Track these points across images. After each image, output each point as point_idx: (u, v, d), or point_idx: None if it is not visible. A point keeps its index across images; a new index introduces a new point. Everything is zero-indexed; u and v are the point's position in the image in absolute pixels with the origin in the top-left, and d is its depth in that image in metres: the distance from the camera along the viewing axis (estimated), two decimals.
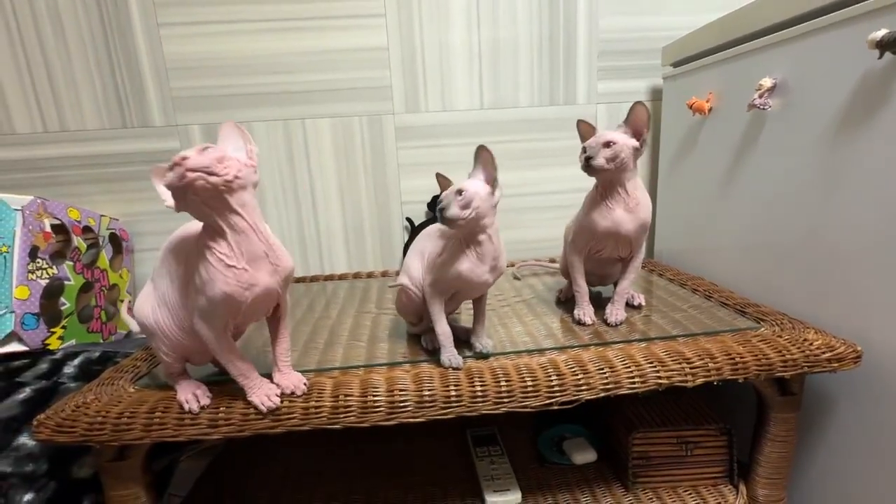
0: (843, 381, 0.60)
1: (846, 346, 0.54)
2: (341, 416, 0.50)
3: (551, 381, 0.52)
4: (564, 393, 0.52)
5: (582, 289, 0.69)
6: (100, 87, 0.94)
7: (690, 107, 0.82)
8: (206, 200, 0.43)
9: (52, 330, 0.73)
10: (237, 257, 0.45)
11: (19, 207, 0.71)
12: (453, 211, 0.50)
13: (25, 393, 0.63)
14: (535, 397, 0.51)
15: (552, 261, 0.98)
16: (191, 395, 0.51)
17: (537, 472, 0.71)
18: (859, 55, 0.53)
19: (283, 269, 0.48)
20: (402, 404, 0.51)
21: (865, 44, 0.50)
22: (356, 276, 1.02)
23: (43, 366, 0.68)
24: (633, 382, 0.52)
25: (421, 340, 0.63)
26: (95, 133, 0.96)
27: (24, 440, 0.59)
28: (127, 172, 0.97)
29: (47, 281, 0.73)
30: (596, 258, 0.69)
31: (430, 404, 0.51)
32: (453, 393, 0.51)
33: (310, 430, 0.51)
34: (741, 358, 0.54)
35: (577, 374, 0.52)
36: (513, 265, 0.97)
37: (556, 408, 0.52)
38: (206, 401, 0.51)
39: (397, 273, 1.01)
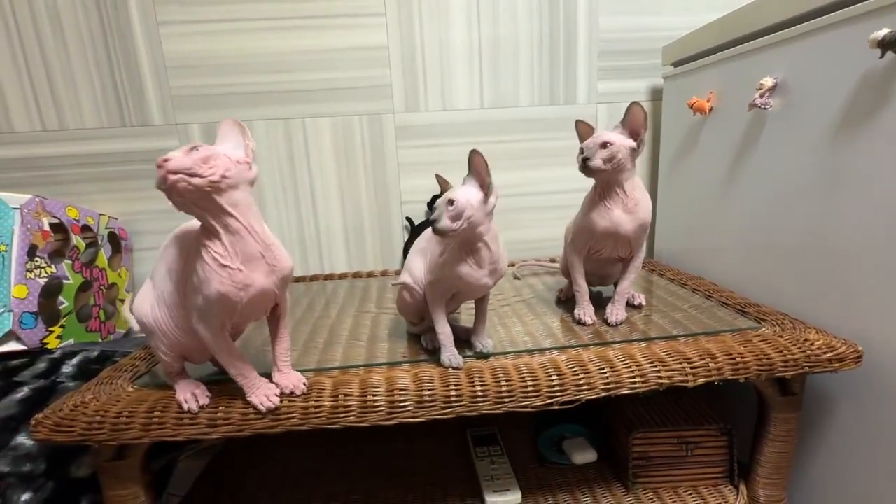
0: (843, 382, 0.60)
1: (847, 347, 0.54)
2: (341, 415, 0.50)
3: (552, 380, 0.52)
4: (565, 393, 0.52)
5: (582, 289, 0.69)
6: (99, 86, 0.94)
7: (691, 106, 0.82)
8: (196, 201, 0.42)
9: (51, 329, 0.73)
10: (231, 257, 0.44)
11: (18, 206, 0.71)
12: (444, 223, 0.49)
13: (23, 392, 0.63)
14: (536, 397, 0.51)
15: (552, 260, 0.98)
16: (189, 395, 0.51)
17: (537, 472, 0.71)
18: (861, 55, 0.53)
19: (280, 269, 0.48)
20: (401, 404, 0.50)
21: (867, 43, 0.50)
22: (356, 275, 1.02)
23: (41, 365, 0.67)
24: (634, 382, 0.52)
25: (421, 340, 0.63)
26: (94, 132, 0.95)
27: (22, 440, 0.59)
28: (126, 171, 0.97)
29: (46, 280, 0.73)
30: (596, 258, 0.69)
31: (430, 404, 0.51)
32: (453, 393, 0.51)
33: (309, 430, 0.50)
34: (742, 358, 0.54)
35: (577, 374, 0.52)
36: (513, 265, 0.97)
37: (556, 408, 0.52)
38: (204, 400, 0.51)
39: (397, 272, 1.01)
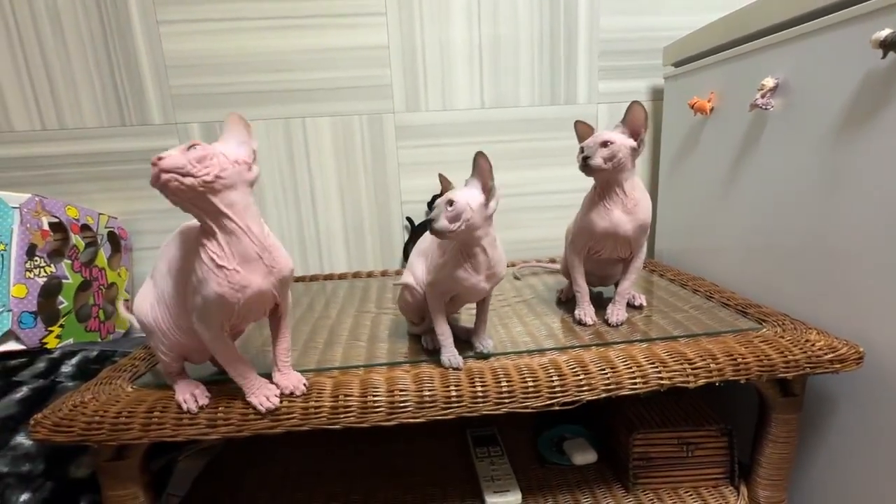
0: (844, 382, 0.60)
1: (848, 347, 0.54)
2: (341, 416, 0.50)
3: (552, 381, 0.52)
4: (566, 393, 0.51)
5: (582, 289, 0.69)
6: (98, 85, 0.94)
7: (692, 107, 0.82)
8: (191, 200, 0.42)
9: (50, 329, 0.73)
10: (228, 258, 0.44)
11: (17, 205, 0.71)
12: (441, 223, 0.48)
13: (22, 392, 0.63)
14: (537, 398, 0.51)
15: (552, 261, 0.98)
16: (189, 395, 0.51)
17: (537, 472, 0.71)
18: (862, 55, 0.53)
19: (278, 270, 0.47)
20: (402, 404, 0.50)
21: (869, 43, 0.50)
22: (356, 275, 1.01)
23: (40, 365, 0.67)
24: (635, 383, 0.52)
25: (421, 340, 0.63)
26: (94, 131, 0.95)
27: (21, 440, 0.59)
28: (126, 171, 0.97)
29: (45, 279, 0.73)
30: (596, 259, 0.68)
31: (431, 405, 0.50)
32: (454, 393, 0.51)
33: (309, 431, 0.50)
34: (743, 359, 0.54)
35: (578, 375, 0.52)
36: (513, 265, 0.97)
37: (556, 408, 0.51)
38: (204, 401, 0.51)
39: (397, 273, 1.01)
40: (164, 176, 0.40)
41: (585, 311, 0.67)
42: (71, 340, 0.76)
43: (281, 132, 0.99)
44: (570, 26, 0.99)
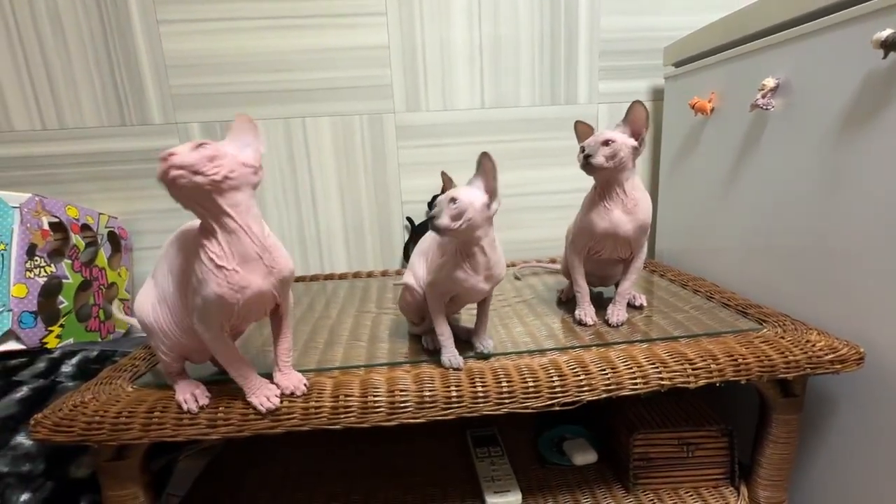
0: (844, 383, 0.60)
1: (849, 348, 0.54)
2: (341, 416, 0.50)
3: (553, 381, 0.52)
4: (566, 394, 0.51)
5: (583, 289, 0.69)
6: (99, 85, 0.94)
7: (692, 107, 0.82)
8: (195, 198, 0.42)
9: (50, 328, 0.73)
10: (227, 258, 0.44)
11: (17, 205, 0.71)
12: (443, 221, 0.48)
13: (23, 392, 0.63)
14: (537, 398, 0.51)
15: (552, 261, 0.98)
16: (189, 395, 0.51)
17: (538, 472, 0.71)
18: (863, 55, 0.53)
19: (279, 271, 0.47)
20: (402, 405, 0.50)
21: (870, 44, 0.50)
22: (356, 275, 1.01)
23: (40, 364, 0.67)
24: (636, 383, 0.52)
25: (422, 340, 0.63)
26: (94, 131, 0.95)
27: (21, 439, 0.59)
28: (126, 171, 0.97)
29: (45, 279, 0.73)
30: (596, 259, 0.68)
31: (431, 405, 0.50)
32: (454, 393, 0.51)
33: (310, 431, 0.50)
34: (743, 359, 0.54)
35: (578, 375, 0.52)
36: (514, 265, 0.97)
37: (557, 409, 0.51)
38: (204, 401, 0.51)
39: (397, 273, 1.01)
40: (174, 172, 0.40)
41: (586, 312, 0.67)
42: (71, 340, 0.76)
43: (281, 132, 0.99)
44: (570, 26, 0.99)
